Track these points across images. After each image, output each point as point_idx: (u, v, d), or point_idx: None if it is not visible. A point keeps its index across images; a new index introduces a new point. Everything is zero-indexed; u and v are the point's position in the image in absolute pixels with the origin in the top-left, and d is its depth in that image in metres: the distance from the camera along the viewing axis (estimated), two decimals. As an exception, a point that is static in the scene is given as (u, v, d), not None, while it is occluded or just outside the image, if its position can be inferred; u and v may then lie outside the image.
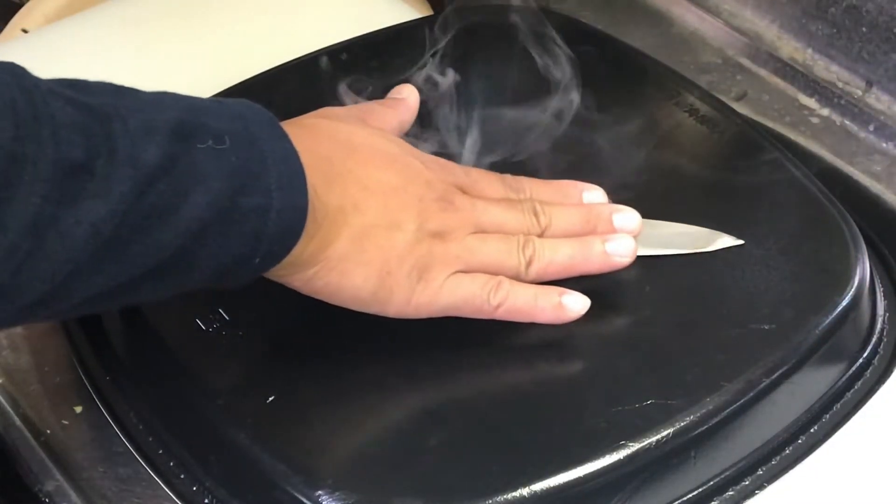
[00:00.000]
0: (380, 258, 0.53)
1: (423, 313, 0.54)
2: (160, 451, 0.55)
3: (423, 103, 0.65)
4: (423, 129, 0.65)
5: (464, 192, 0.57)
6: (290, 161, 0.49)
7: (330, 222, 0.51)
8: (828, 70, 0.78)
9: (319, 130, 0.55)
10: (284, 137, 0.49)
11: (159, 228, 0.44)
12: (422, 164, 0.57)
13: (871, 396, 0.59)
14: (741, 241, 0.60)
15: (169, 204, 0.44)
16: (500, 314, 0.55)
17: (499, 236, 0.56)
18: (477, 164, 0.64)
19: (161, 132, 0.45)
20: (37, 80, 0.43)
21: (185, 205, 0.45)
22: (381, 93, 0.65)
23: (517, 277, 0.56)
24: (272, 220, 0.48)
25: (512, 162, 0.65)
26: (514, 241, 0.56)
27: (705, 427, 0.52)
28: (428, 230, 0.54)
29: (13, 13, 0.86)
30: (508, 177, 0.60)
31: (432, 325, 0.56)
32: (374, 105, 0.63)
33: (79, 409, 0.59)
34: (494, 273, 0.55)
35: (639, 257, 0.59)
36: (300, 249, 0.50)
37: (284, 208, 0.48)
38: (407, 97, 0.64)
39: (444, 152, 0.64)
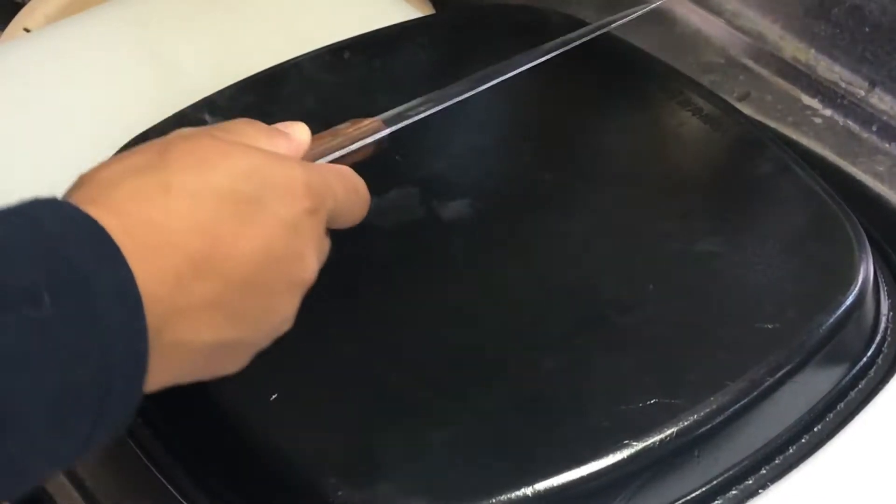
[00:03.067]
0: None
1: None
2: (161, 448, 0.55)
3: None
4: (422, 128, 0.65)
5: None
6: (127, 294, 0.38)
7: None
8: (831, 70, 0.78)
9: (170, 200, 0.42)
10: (117, 256, 0.38)
11: None
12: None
13: (874, 396, 0.59)
14: None
15: None
16: None
17: None
18: (476, 164, 0.64)
19: None
20: None
21: None
22: (380, 90, 0.65)
23: None
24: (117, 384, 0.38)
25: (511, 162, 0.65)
26: None
27: (709, 426, 0.52)
28: None
29: (15, 13, 0.87)
30: None
31: (434, 326, 0.56)
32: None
33: (79, 409, 0.59)
34: None
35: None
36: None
37: (126, 368, 0.38)
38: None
39: (443, 150, 0.64)
